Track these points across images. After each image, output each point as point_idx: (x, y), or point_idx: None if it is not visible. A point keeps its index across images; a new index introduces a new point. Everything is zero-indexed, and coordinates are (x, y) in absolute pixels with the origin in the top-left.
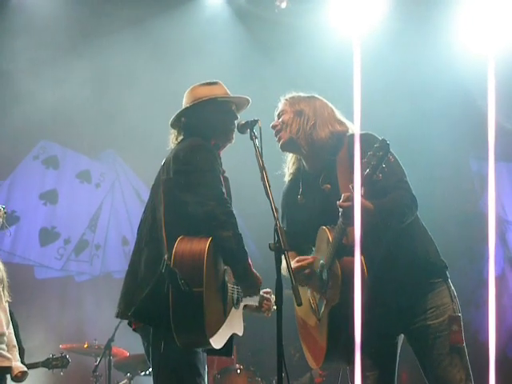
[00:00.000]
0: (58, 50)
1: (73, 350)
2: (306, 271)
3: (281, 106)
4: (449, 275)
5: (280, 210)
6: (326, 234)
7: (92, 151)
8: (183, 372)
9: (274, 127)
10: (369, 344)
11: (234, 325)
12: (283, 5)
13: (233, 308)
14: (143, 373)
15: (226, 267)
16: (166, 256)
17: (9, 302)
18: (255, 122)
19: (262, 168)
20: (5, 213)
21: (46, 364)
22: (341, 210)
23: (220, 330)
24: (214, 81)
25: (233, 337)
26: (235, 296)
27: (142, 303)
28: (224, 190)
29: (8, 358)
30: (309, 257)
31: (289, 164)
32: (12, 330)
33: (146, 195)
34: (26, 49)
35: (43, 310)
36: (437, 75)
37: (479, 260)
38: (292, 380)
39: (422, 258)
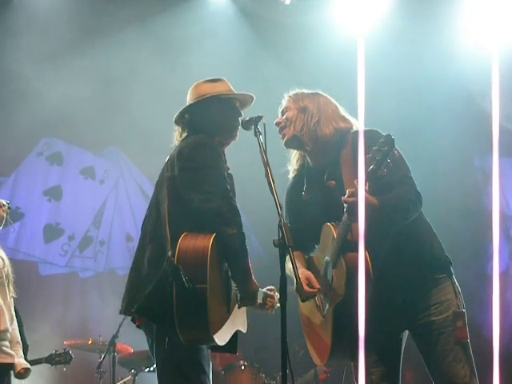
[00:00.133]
0: (62, 48)
1: (77, 347)
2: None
3: (284, 102)
4: (453, 271)
5: (284, 207)
6: (331, 230)
7: (96, 148)
8: (187, 368)
9: (277, 124)
10: (373, 340)
11: (237, 321)
12: (287, 1)
13: (236, 305)
14: (147, 369)
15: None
16: (169, 253)
17: (14, 298)
18: (259, 118)
19: (266, 164)
20: (9, 208)
21: (49, 360)
22: (345, 205)
23: (224, 327)
24: (218, 78)
25: (237, 333)
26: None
27: (145, 300)
28: (228, 187)
29: (11, 355)
30: (317, 284)
31: (292, 161)
32: (16, 327)
33: (150, 192)
34: (29, 47)
35: (47, 306)
36: (440, 71)
37: (483, 256)
38: (296, 377)
39: (426, 253)
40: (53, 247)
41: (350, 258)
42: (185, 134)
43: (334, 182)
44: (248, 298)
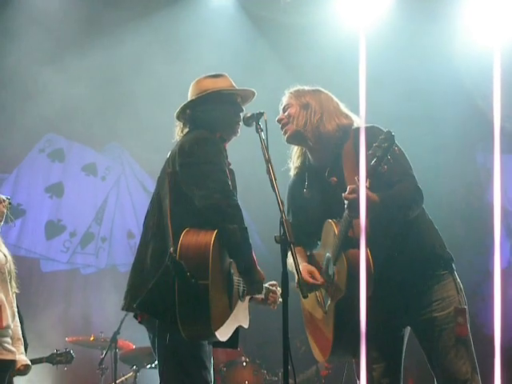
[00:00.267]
0: (63, 46)
1: (79, 343)
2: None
3: (286, 99)
4: (455, 267)
5: (286, 204)
6: (332, 227)
7: (98, 144)
8: (189, 364)
9: (279, 121)
10: (375, 336)
11: (239, 317)
12: None
13: (238, 300)
14: (149, 365)
15: (231, 260)
16: (171, 249)
17: (16, 294)
18: (261, 114)
19: (268, 160)
20: (9, 203)
21: (50, 360)
22: (346, 202)
23: (226, 323)
24: (220, 73)
25: (239, 329)
26: (241, 288)
27: (147, 296)
28: (230, 183)
29: (12, 352)
30: (321, 278)
31: (293, 158)
32: (18, 323)
33: (151, 188)
34: (30, 45)
35: (49, 302)
36: (442, 69)
37: (485, 252)
38: (298, 373)
39: (428, 250)
40: (54, 244)
41: (351, 254)
42: (186, 130)
43: (335, 179)
44: (254, 287)
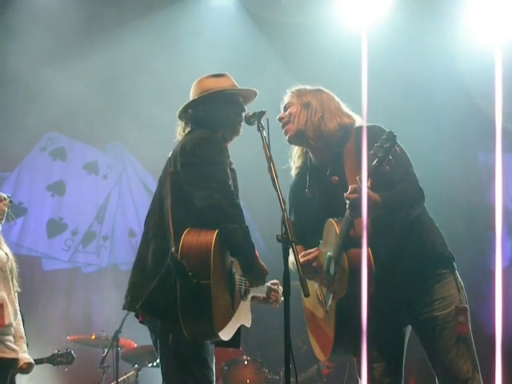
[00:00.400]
0: (64, 45)
1: (80, 342)
2: (313, 264)
3: (287, 98)
4: (456, 266)
5: (287, 203)
6: (334, 226)
7: (99, 143)
8: (191, 364)
9: (280, 119)
10: (376, 335)
11: (241, 316)
12: None
13: (241, 300)
14: (151, 364)
15: (233, 259)
16: (173, 249)
17: (18, 293)
18: (263, 113)
19: (270, 159)
20: (10, 201)
21: (51, 360)
22: (348, 202)
23: (228, 322)
24: (222, 73)
25: (241, 328)
26: (243, 288)
27: (149, 296)
28: (231, 183)
29: (15, 350)
30: (313, 250)
31: (294, 157)
32: (20, 322)
33: (153, 187)
34: (32, 44)
35: (51, 301)
36: (444, 68)
37: (486, 251)
38: (299, 372)
39: (429, 249)
40: (56, 242)
41: (352, 253)
42: (188, 129)
43: (337, 178)
44: (257, 280)
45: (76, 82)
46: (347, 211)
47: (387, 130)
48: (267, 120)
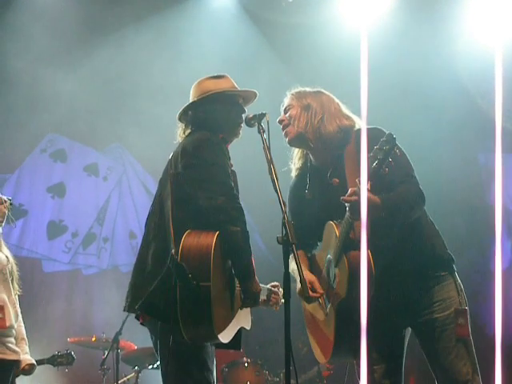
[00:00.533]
0: (64, 46)
1: (80, 344)
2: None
3: (287, 100)
4: (455, 268)
5: (287, 205)
6: (333, 228)
7: (99, 144)
8: (191, 365)
9: (280, 122)
10: (375, 338)
11: (241, 318)
12: None
13: (240, 302)
14: (151, 366)
15: None
16: (173, 250)
17: (19, 296)
18: (263, 115)
19: (270, 161)
20: (10, 204)
21: (52, 361)
22: (348, 204)
23: (228, 324)
24: (222, 74)
25: (241, 330)
26: None
27: (149, 297)
28: (233, 185)
29: (16, 352)
30: (320, 289)
31: (294, 159)
32: (22, 324)
33: (153, 189)
34: (32, 45)
35: (51, 303)
36: (444, 69)
37: (486, 253)
38: (300, 374)
39: (428, 251)
40: (56, 244)
41: (352, 256)
42: (188, 131)
43: (337, 180)
44: (249, 298)
45: (76, 83)
46: (347, 213)
47: (387, 132)
48: (267, 122)
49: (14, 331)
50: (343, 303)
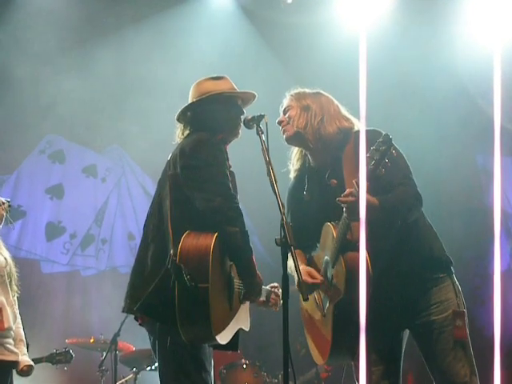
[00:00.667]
0: (64, 47)
1: (79, 345)
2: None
3: (286, 101)
4: (453, 270)
5: (286, 206)
6: (331, 229)
7: (98, 146)
8: (189, 367)
9: (280, 123)
10: (373, 339)
11: (240, 320)
12: (289, 0)
13: (239, 303)
14: (149, 367)
15: (231, 263)
16: (171, 251)
17: (17, 297)
18: (261, 116)
19: (268, 163)
20: (9, 206)
21: (50, 359)
22: (345, 205)
23: (226, 326)
24: (221, 75)
25: (239, 332)
26: (241, 291)
27: (148, 298)
28: (231, 186)
29: (15, 353)
30: (320, 277)
31: (293, 160)
32: (20, 325)
33: (152, 190)
34: (31, 46)
35: (49, 304)
36: (443, 70)
37: (485, 255)
38: (298, 375)
39: (426, 253)
40: (55, 245)
41: (349, 257)
42: (187, 132)
43: (335, 181)
44: (252, 291)
45: (75, 84)
46: (344, 215)
47: (384, 133)
48: (266, 124)
49: (12, 333)
50: (341, 304)
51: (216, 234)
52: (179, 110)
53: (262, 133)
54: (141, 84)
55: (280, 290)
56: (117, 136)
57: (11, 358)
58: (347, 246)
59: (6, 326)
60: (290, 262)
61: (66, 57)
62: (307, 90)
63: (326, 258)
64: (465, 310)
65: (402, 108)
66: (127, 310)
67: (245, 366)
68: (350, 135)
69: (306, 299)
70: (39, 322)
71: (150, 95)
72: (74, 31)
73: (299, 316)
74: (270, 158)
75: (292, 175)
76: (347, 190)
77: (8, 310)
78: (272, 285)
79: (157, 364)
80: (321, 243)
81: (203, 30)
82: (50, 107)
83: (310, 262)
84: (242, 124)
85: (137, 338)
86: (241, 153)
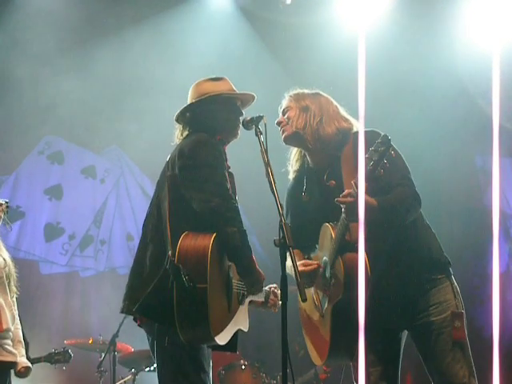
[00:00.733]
0: (63, 48)
1: (77, 346)
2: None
3: (285, 102)
4: (452, 271)
5: (284, 207)
6: (329, 230)
7: (97, 147)
8: (187, 367)
9: (279, 123)
10: (372, 340)
11: (239, 321)
12: (288, 1)
13: (238, 304)
14: (148, 368)
15: (230, 263)
16: (170, 252)
17: (16, 298)
18: (260, 117)
19: (267, 164)
20: (7, 207)
21: (49, 359)
22: (343, 206)
23: (225, 327)
24: (220, 76)
25: (238, 332)
26: (240, 292)
27: (146, 299)
28: (229, 186)
29: (13, 354)
30: (314, 262)
31: (292, 161)
32: (19, 326)
33: (150, 191)
34: (30, 47)
35: (48, 305)
36: (442, 71)
37: (483, 256)
38: (297, 376)
39: (425, 254)
40: (53, 246)
41: (347, 258)
42: (186, 133)
43: (334, 182)
44: (254, 287)
45: (74, 85)
46: (342, 215)
47: (382, 134)
48: (265, 125)
49: (10, 334)
50: (339, 304)
51: (214, 235)
52: (178, 111)
53: (261, 134)
54: (140, 85)
55: (279, 291)
56: (115, 137)
57: (9, 358)
58: (346, 246)
59: (4, 327)
60: (290, 264)
61: (65, 58)
62: (306, 91)
63: (324, 258)
64: (463, 311)
65: (401, 107)
66: (126, 310)
67: (243, 366)
68: (349, 136)
69: (304, 300)
70: (38, 322)
71: (148, 96)
72: (74, 32)
73: (298, 316)
74: (269, 159)
75: (291, 176)
76: (346, 191)
77: (6, 311)
78: (271, 286)
79: (155, 365)
80: (319, 244)
81: (202, 30)
82: (49, 108)
83: None
84: (240, 125)
85: (135, 339)
86: (240, 154)
